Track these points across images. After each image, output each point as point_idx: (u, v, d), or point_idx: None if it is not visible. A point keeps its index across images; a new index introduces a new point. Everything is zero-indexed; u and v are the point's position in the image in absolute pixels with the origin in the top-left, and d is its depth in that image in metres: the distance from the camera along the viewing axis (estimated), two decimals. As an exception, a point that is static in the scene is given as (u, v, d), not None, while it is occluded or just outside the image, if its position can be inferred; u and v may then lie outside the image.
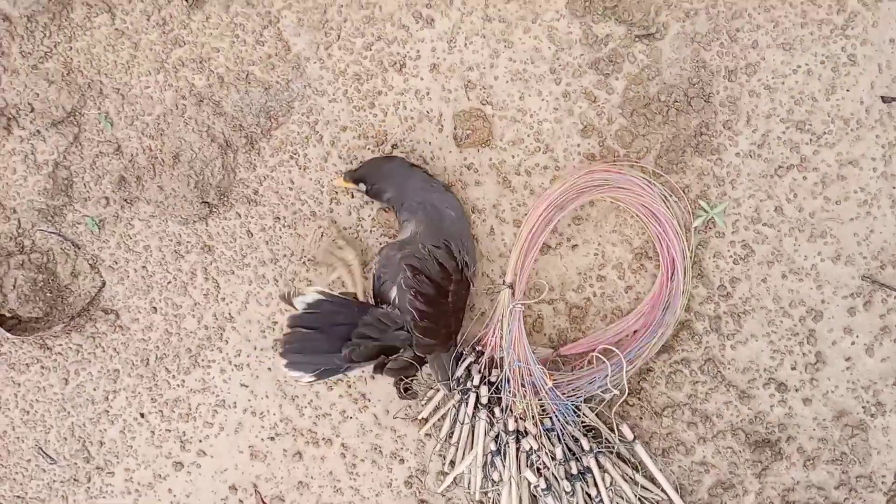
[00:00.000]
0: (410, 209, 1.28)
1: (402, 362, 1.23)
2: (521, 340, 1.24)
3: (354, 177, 1.31)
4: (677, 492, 1.29)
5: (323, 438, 1.45)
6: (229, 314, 1.46)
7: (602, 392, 1.26)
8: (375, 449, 1.43)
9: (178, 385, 1.48)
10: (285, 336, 1.18)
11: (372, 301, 1.30)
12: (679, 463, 1.32)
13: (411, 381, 1.32)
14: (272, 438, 1.47)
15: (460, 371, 1.28)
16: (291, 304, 1.19)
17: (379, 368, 1.24)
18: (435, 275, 1.22)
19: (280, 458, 1.47)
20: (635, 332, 1.30)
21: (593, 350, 1.28)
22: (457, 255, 1.25)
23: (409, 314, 1.22)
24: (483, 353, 1.28)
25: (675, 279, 1.27)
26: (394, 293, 1.25)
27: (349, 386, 1.43)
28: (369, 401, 1.43)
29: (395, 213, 1.33)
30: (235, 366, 1.47)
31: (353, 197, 1.40)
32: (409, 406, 1.40)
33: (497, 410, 1.25)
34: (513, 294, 1.26)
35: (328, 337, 1.19)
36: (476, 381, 1.26)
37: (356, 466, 1.44)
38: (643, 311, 1.29)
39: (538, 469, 1.23)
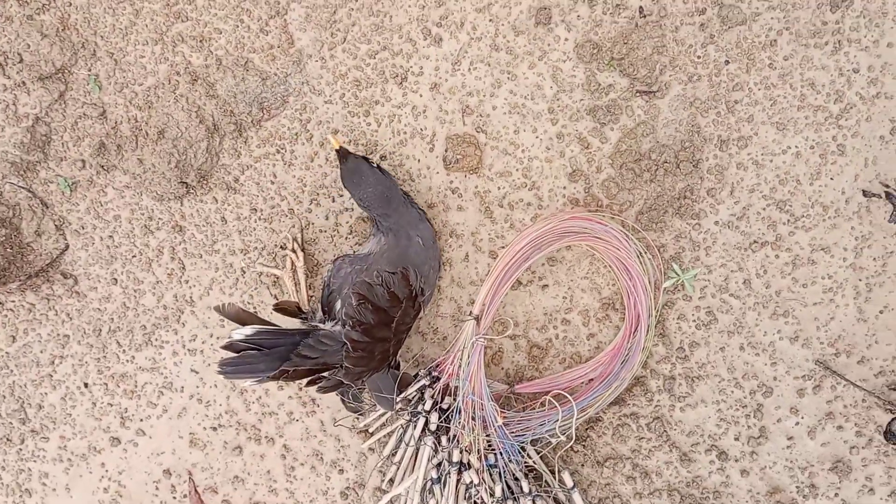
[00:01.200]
0: (381, 228, 1.30)
1: (334, 381, 1.25)
2: (478, 374, 1.27)
3: (349, 157, 1.29)
4: (606, 542, 1.35)
5: (266, 436, 1.47)
6: (190, 298, 1.47)
7: (549, 436, 1.30)
8: (316, 455, 1.46)
9: (127, 360, 1.49)
10: (224, 360, 1.16)
11: (320, 309, 1.32)
12: (613, 514, 1.37)
13: (356, 393, 1.35)
14: (214, 429, 1.49)
15: (411, 391, 1.31)
16: (225, 316, 1.22)
17: (311, 384, 1.26)
18: (383, 302, 1.23)
19: (219, 450, 1.49)
20: (591, 380, 1.35)
21: (547, 392, 1.33)
22: (413, 282, 1.27)
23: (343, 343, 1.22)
24: (439, 379, 1.31)
25: (637, 335, 1.32)
26: (338, 305, 1.28)
27: (300, 388, 1.45)
28: (318, 406, 1.45)
29: (369, 220, 1.36)
30: (189, 350, 1.48)
31: (333, 201, 1.42)
32: (357, 417, 1.42)
33: (444, 439, 1.29)
34: (478, 326, 1.30)
35: (267, 358, 1.18)
36: (428, 405, 1.30)
37: (295, 469, 1.47)
38: (602, 360, 1.34)
39: (475, 503, 1.27)
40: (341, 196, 1.42)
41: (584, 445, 1.38)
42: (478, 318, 1.30)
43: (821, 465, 1.34)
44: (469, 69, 1.38)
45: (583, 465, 1.38)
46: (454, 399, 1.30)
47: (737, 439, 1.36)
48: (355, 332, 1.20)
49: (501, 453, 1.27)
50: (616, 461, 1.37)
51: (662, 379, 1.36)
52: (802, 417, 1.34)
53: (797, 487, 1.35)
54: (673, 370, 1.36)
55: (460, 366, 1.29)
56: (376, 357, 1.24)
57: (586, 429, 1.38)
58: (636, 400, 1.37)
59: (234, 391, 1.47)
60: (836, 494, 1.34)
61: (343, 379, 1.24)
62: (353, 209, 1.42)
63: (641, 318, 1.32)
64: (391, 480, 1.37)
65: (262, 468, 1.48)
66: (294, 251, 1.42)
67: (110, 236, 1.48)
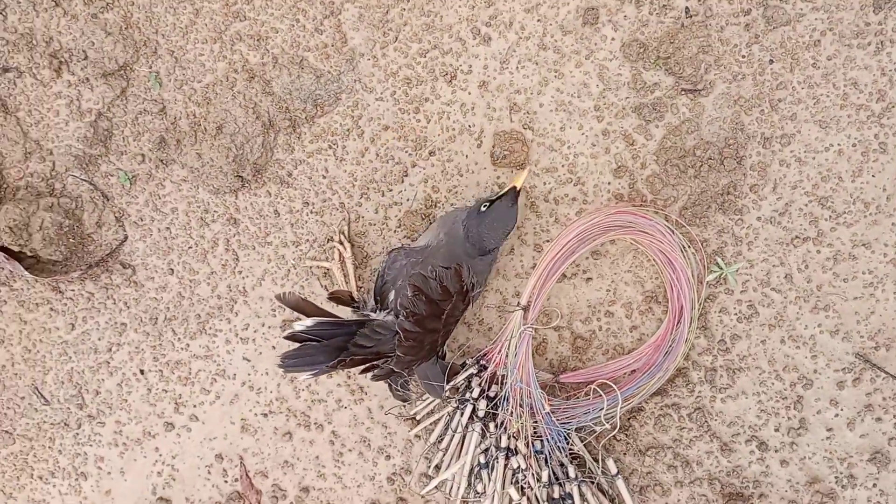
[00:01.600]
0: (442, 223, 1.36)
1: (387, 369, 1.31)
2: (526, 363, 1.33)
3: (517, 202, 1.33)
4: (648, 529, 1.40)
5: (315, 423, 1.54)
6: (243, 288, 1.54)
7: (594, 424, 1.36)
8: (364, 441, 1.52)
9: (182, 348, 1.56)
10: (286, 352, 1.24)
11: (371, 298, 1.38)
12: (654, 502, 1.42)
13: (405, 381, 1.41)
14: (265, 415, 1.55)
15: (460, 380, 1.37)
16: (286, 305, 1.28)
17: (366, 371, 1.32)
18: (435, 295, 1.28)
19: (270, 435, 1.55)
20: (633, 371, 1.39)
21: (591, 382, 1.38)
22: (465, 279, 1.32)
23: (391, 323, 1.29)
24: (486, 368, 1.37)
25: (680, 327, 1.37)
26: (392, 296, 1.33)
27: (348, 377, 1.52)
28: (366, 394, 1.52)
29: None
30: (241, 339, 1.55)
31: (383, 195, 1.48)
32: (404, 405, 1.48)
33: (492, 425, 1.34)
34: (525, 317, 1.35)
35: (326, 349, 1.24)
36: (476, 393, 1.35)
37: (343, 455, 1.53)
38: (645, 352, 1.39)
39: (522, 488, 1.32)
40: (391, 191, 1.48)
41: (626, 434, 1.43)
42: (525, 309, 1.35)
43: (860, 456, 1.38)
44: (517, 67, 1.44)
45: (625, 454, 1.43)
46: (501, 387, 1.35)
47: (777, 430, 1.40)
48: (408, 323, 1.25)
49: (548, 440, 1.33)
50: (658, 450, 1.41)
51: (704, 370, 1.41)
52: (842, 409, 1.38)
53: (836, 478, 1.39)
54: (714, 362, 1.41)
55: (508, 355, 1.35)
56: (426, 347, 1.30)
57: (629, 418, 1.43)
58: (678, 390, 1.42)
59: (284, 378, 1.54)
60: (875, 485, 1.38)
61: (393, 367, 1.29)
62: (401, 204, 1.48)
63: (685, 311, 1.36)
64: (437, 467, 1.43)
65: (311, 454, 1.54)
66: (341, 243, 1.49)
67: (167, 228, 1.55)
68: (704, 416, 1.41)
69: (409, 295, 1.25)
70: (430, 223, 1.40)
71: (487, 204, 1.31)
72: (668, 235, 1.36)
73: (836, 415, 1.39)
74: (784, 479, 1.40)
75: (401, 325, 1.25)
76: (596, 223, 1.36)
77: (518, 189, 1.31)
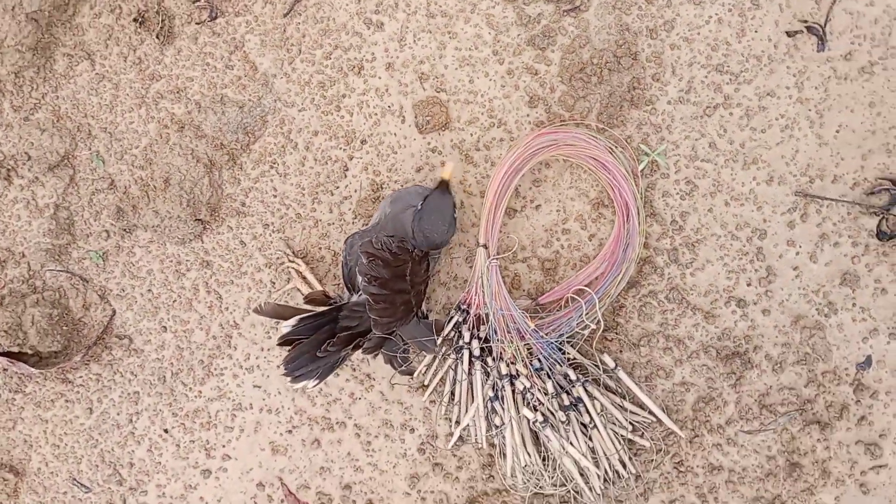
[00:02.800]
0: (388, 199, 1.52)
1: (375, 340, 1.46)
2: (500, 292, 1.48)
3: (447, 192, 1.47)
4: (664, 412, 1.53)
5: (337, 422, 1.67)
6: (234, 322, 1.69)
7: (581, 329, 1.50)
8: (386, 423, 1.66)
9: (195, 396, 1.71)
10: (285, 358, 1.39)
11: (345, 290, 1.53)
12: (662, 386, 1.56)
13: (405, 352, 1.55)
14: (290, 431, 1.69)
15: (448, 330, 1.51)
16: (265, 315, 1.44)
17: (356, 348, 1.46)
18: (391, 258, 1.42)
19: (300, 449, 1.69)
20: (602, 273, 1.54)
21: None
22: (411, 248, 1.45)
23: (365, 299, 1.42)
24: (469, 313, 1.52)
25: (630, 220, 1.52)
26: (360, 279, 1.47)
27: (354, 369, 1.66)
28: (374, 380, 1.66)
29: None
30: (246, 369, 1.70)
31: (332, 195, 1.65)
32: (410, 378, 1.62)
33: (489, 360, 1.49)
34: (487, 253, 1.50)
35: (317, 342, 1.39)
36: (467, 338, 1.50)
37: (371, 443, 1.67)
38: (606, 254, 1.54)
39: (534, 406, 1.46)
40: (337, 188, 1.65)
41: (616, 333, 1.57)
42: (485, 246, 1.51)
43: (831, 284, 1.52)
44: (414, 41, 1.61)
45: (621, 351, 1.57)
46: (488, 323, 1.50)
47: (749, 285, 1.54)
48: (373, 287, 1.40)
49: (542, 354, 1.47)
50: (649, 338, 1.55)
51: (666, 253, 1.56)
52: (800, 246, 1.53)
53: (817, 309, 1.53)
54: (673, 242, 1.56)
55: (483, 292, 1.50)
56: (399, 307, 1.43)
57: (613, 317, 1.57)
58: (649, 279, 1.56)
59: (296, 392, 1.68)
60: (854, 304, 1.52)
61: (375, 331, 1.43)
62: (350, 196, 1.65)
63: (630, 205, 1.51)
64: (457, 421, 1.56)
65: (342, 452, 1.68)
66: (292, 261, 1.64)
67: (149, 290, 1.70)
68: (680, 294, 1.55)
69: (366, 262, 1.40)
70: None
71: (422, 202, 1.46)
72: (592, 142, 1.52)
73: (797, 253, 1.53)
74: (771, 327, 1.54)
75: (367, 291, 1.40)
76: (523, 152, 1.52)
77: (447, 180, 1.46)
